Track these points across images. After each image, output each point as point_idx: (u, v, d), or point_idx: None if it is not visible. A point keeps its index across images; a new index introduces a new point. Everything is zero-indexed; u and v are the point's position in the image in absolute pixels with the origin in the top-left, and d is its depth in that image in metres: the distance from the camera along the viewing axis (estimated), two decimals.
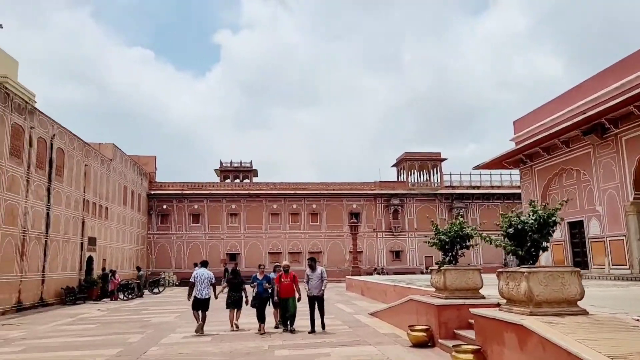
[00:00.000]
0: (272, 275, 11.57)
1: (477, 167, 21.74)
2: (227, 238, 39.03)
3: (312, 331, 10.28)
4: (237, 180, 43.37)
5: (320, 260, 39.56)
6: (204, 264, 11.87)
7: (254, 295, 10.96)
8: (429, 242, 9.68)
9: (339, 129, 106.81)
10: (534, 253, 6.86)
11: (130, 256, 32.23)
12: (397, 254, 40.86)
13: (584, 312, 6.46)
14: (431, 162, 42.87)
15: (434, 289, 9.80)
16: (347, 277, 27.13)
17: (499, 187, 43.09)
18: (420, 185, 42.82)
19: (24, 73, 58.96)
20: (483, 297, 8.94)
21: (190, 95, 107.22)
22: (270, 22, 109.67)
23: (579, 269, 6.71)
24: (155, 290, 26.64)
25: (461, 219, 9.73)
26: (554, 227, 6.88)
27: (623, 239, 17.71)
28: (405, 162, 42.73)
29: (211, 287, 11.16)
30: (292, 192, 40.28)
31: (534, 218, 6.81)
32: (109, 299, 22.25)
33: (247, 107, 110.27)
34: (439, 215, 41.80)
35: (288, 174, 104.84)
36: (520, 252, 6.85)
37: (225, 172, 43.81)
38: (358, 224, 27.81)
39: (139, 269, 26.07)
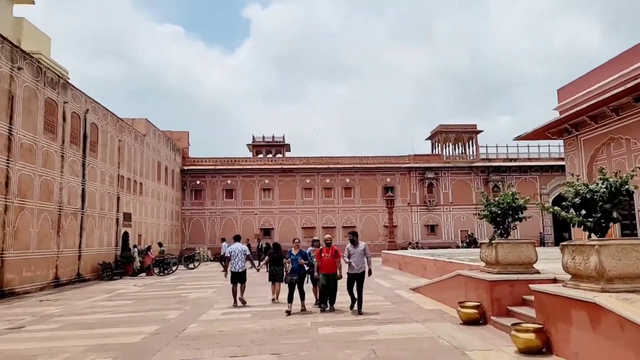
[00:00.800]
0: (310, 248, 11.21)
1: (518, 138, 20.45)
2: (260, 213, 39.03)
3: (352, 307, 9.67)
4: (270, 155, 43.04)
5: None
6: (237, 238, 12.15)
7: (288, 271, 10.33)
8: (479, 214, 8.87)
9: (371, 102, 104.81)
10: (603, 224, 6.05)
11: (165, 232, 32.65)
12: (431, 228, 39.94)
13: None
14: (466, 134, 41.23)
15: (483, 264, 9.06)
16: (383, 251, 26.57)
17: (536, 160, 41.18)
18: (456, 158, 41.36)
19: (57, 50, 59.53)
20: (538, 272, 8.17)
21: (221, 71, 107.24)
22: None
23: None
24: (191, 266, 26.87)
25: (487, 195, 9.08)
26: (626, 196, 6.05)
27: None
28: (440, 135, 41.29)
29: (246, 260, 11.52)
30: (325, 166, 39.71)
31: (604, 186, 5.97)
32: (145, 274, 22.53)
33: (277, 82, 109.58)
34: (474, 188, 40.46)
35: (320, 149, 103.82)
36: (589, 224, 6.05)
37: (257, 147, 43.54)
38: (393, 198, 26.94)
39: (160, 244, 25.98)
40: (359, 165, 40.07)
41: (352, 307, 9.68)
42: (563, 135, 18.71)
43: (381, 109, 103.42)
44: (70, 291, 16.10)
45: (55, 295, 14.79)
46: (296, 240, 11.09)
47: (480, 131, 41.07)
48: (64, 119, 18.23)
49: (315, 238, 11.30)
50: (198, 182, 39.21)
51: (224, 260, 23.65)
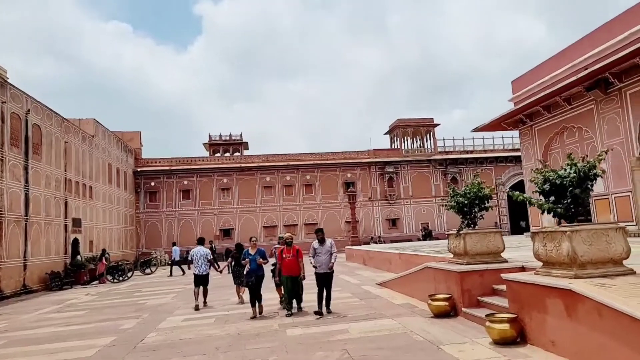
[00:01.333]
0: (276, 247, 10.79)
1: (475, 130, 20.86)
2: (219, 213, 38.09)
3: (319, 313, 8.72)
4: (227, 154, 42.08)
5: None
6: (200, 241, 12.11)
7: (245, 272, 9.50)
8: (445, 205, 8.77)
9: (329, 99, 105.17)
10: (573, 210, 6.05)
11: (118, 236, 31.20)
12: (393, 222, 40.38)
13: (632, 272, 5.73)
14: (424, 128, 41.95)
15: (450, 255, 9.00)
16: (347, 247, 26.49)
17: (492, 151, 42.50)
18: (414, 152, 41.98)
19: None
20: (506, 261, 8.19)
21: (173, 70, 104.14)
22: None
23: (624, 226, 5.96)
24: (147, 271, 25.70)
25: (453, 186, 8.99)
26: (595, 181, 6.08)
27: (629, 195, 17.14)
28: (398, 129, 41.78)
29: (208, 263, 11.59)
30: (285, 163, 39.27)
31: (573, 171, 5.97)
32: (98, 282, 21.37)
33: (233, 80, 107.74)
34: (433, 181, 41.25)
35: (279, 147, 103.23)
36: (559, 210, 6.03)
37: (214, 145, 42.48)
38: (355, 193, 26.91)
39: (104, 251, 24.54)
40: (319, 162, 39.91)
41: (317, 314, 8.73)
42: (518, 125, 19.22)
43: (338, 105, 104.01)
44: (16, 304, 14.92)
45: None
46: (253, 239, 10.06)
47: (437, 124, 41.87)
48: (3, 120, 16.87)
49: (281, 235, 10.60)
50: (153, 183, 37.77)
51: (175, 264, 23.43)
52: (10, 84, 17.64)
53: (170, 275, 22.68)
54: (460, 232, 8.25)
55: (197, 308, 10.92)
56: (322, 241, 9.16)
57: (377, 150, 41.55)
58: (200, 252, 11.46)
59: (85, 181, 25.00)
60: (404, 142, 42.25)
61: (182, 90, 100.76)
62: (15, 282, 17.10)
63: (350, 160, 40.49)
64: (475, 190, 8.16)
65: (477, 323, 7.14)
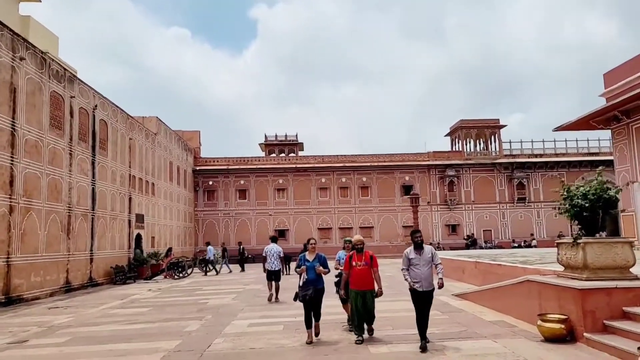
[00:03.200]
0: (341, 254, 8.40)
1: (559, 128, 18.91)
2: (275, 214, 37.80)
3: (424, 348, 6.42)
4: (283, 155, 41.85)
5: (372, 235, 37.80)
6: (273, 239, 13.17)
7: (301, 283, 7.41)
8: (558, 208, 7.42)
9: (382, 102, 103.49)
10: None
11: (178, 233, 31.54)
12: (453, 228, 38.44)
13: None
14: (489, 129, 39.66)
15: (560, 268, 7.68)
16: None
17: (563, 155, 39.48)
18: (477, 155, 39.80)
19: (65, 52, 59.31)
20: (637, 278, 6.77)
21: (228, 73, 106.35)
22: None
23: None
24: (206, 269, 25.66)
25: (568, 185, 7.45)
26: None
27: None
28: (461, 131, 39.78)
29: (280, 260, 12.49)
30: (341, 165, 38.39)
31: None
32: (163, 277, 21.50)
33: (286, 83, 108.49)
34: (497, 186, 38.90)
35: (330, 150, 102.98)
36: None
37: (270, 146, 42.38)
38: (418, 196, 25.48)
39: (170, 249, 24.86)
40: (375, 164, 38.71)
41: (423, 350, 6.41)
42: (611, 123, 17.19)
43: (391, 108, 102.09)
44: (82, 297, 14.95)
45: (65, 302, 13.63)
46: (312, 242, 7.99)
47: (503, 126, 39.50)
48: (72, 115, 17.12)
49: (348, 239, 8.26)
50: (210, 182, 38.08)
51: (209, 263, 23.93)
52: (79, 80, 17.92)
53: (205, 274, 22.95)
54: (579, 240, 6.93)
55: (270, 298, 12.14)
56: (419, 247, 6.78)
57: (437, 152, 39.75)
58: (273, 249, 12.42)
59: (147, 178, 25.31)
60: (467, 144, 40.17)
61: (237, 92, 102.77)
62: (82, 275, 17.29)
63: (408, 163, 38.99)
64: (598, 191, 6.82)
65: (607, 353, 5.85)
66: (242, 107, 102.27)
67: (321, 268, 7.41)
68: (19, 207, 13.67)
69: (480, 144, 40.93)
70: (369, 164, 38.64)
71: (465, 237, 36.72)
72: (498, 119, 39.79)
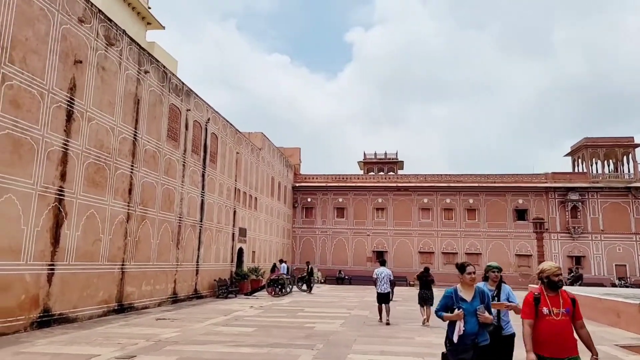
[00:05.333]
0: (484, 288, 4.97)
1: None
2: (373, 234, 36.36)
3: None
4: (382, 173, 40.52)
5: (480, 263, 34.62)
6: (383, 262, 13.31)
7: (454, 338, 4.61)
8: None
9: (479, 120, 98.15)
10: None
11: (276, 249, 31.46)
12: (577, 260, 33.79)
13: None
14: (620, 148, 34.70)
15: None
16: (531, 285, 22.19)
17: None
18: (606, 177, 34.95)
19: (181, 76, 64.12)
20: None
21: (324, 95, 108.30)
22: (402, 15, 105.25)
23: None
24: (304, 287, 25.00)
25: None
26: None
27: None
28: (585, 150, 35.32)
29: (390, 283, 12.47)
30: (445, 184, 36.00)
31: None
32: (266, 292, 21.21)
33: (380, 104, 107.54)
34: (633, 214, 33.64)
35: (425, 170, 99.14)
36: None
37: (369, 164, 41.33)
38: (542, 221, 22.44)
39: (274, 265, 24.90)
40: (484, 184, 35.67)
41: None
42: None
43: (490, 126, 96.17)
44: (187, 309, 14.82)
45: (172, 313, 13.51)
46: (470, 270, 4.82)
47: (638, 145, 34.31)
48: (187, 127, 17.52)
49: (492, 264, 5.44)
50: (309, 199, 37.85)
51: (304, 281, 23.88)
52: (195, 94, 18.38)
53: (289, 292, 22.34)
54: None
55: (382, 321, 12.32)
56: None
57: (557, 173, 35.61)
58: (383, 272, 12.53)
59: (251, 192, 25.49)
60: (593, 165, 35.53)
61: (331, 113, 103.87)
62: (188, 286, 17.37)
63: (522, 185, 35.33)
64: None
65: None
66: (336, 127, 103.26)
67: (485, 314, 4.63)
68: (136, 214, 13.94)
69: (609, 165, 36.05)
70: (476, 185, 35.74)
71: (569, 271, 30.97)
72: (632, 137, 34.72)
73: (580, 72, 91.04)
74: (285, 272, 23.59)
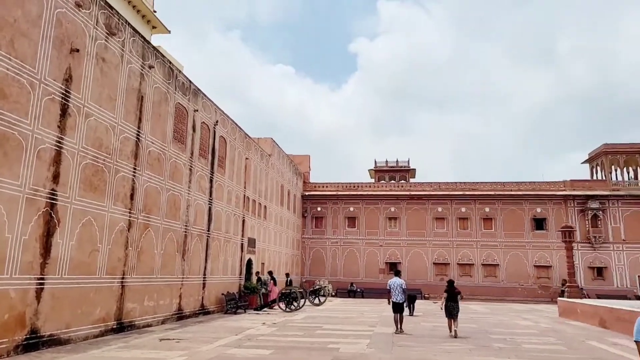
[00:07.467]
0: None
1: None
2: (385, 245, 34.89)
3: None
4: (393, 182, 39.20)
5: (497, 275, 33.18)
6: (397, 273, 13.61)
7: None
8: None
9: (485, 130, 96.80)
10: None
11: (286, 261, 30.06)
12: (598, 271, 32.24)
13: None
14: None
15: None
16: (560, 299, 20.73)
17: None
18: (627, 185, 33.56)
19: None
20: None
21: (328, 106, 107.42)
22: (407, 25, 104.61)
23: None
24: (316, 301, 23.59)
25: None
26: None
27: None
28: (605, 156, 33.99)
29: (403, 292, 12.85)
30: (460, 193, 34.61)
31: None
32: (268, 309, 19.80)
33: (385, 113, 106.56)
34: None
35: (434, 178, 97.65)
36: None
37: (380, 172, 40.13)
38: (573, 230, 20.97)
39: (287, 275, 23.34)
40: (500, 192, 34.26)
41: None
42: None
43: (496, 136, 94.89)
44: (194, 327, 13.46)
45: (177, 332, 12.15)
46: None
47: None
48: (194, 129, 16.32)
49: None
50: (319, 208, 36.49)
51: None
52: (203, 94, 17.23)
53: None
54: None
55: (397, 331, 12.65)
56: None
57: (576, 181, 34.19)
58: (397, 282, 12.92)
59: (260, 200, 24.22)
60: (613, 172, 34.13)
61: (337, 123, 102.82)
62: (194, 301, 16.01)
63: (540, 192, 33.94)
64: None
65: None
66: (342, 137, 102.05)
67: None
68: (138, 222, 12.68)
69: (629, 172, 34.70)
70: (492, 193, 34.34)
71: (563, 282, 28.23)
72: None
73: (587, 80, 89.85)
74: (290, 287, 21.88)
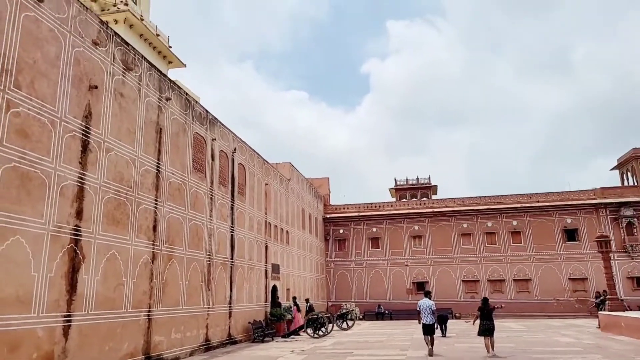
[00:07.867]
0: None
1: None
2: (411, 264, 34.13)
3: None
4: (415, 199, 38.66)
5: (530, 290, 32.01)
6: (427, 294, 13.37)
7: None
8: None
9: (501, 143, 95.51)
10: None
11: (311, 286, 29.63)
12: (638, 282, 30.79)
13: None
14: None
15: None
16: (601, 313, 19.76)
17: None
18: None
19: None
20: None
21: (342, 129, 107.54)
22: (417, 43, 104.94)
23: None
24: (344, 326, 23.07)
25: None
26: None
27: None
28: (636, 161, 32.91)
29: (433, 314, 12.51)
30: (485, 207, 33.81)
31: None
32: (295, 335, 19.43)
33: (398, 133, 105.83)
34: None
35: (453, 195, 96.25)
36: None
37: (401, 190, 39.63)
38: (609, 240, 20.11)
39: (307, 300, 22.76)
40: (527, 205, 33.35)
41: None
42: None
43: (513, 149, 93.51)
44: (222, 357, 13.20)
45: None
46: None
47: None
48: (213, 158, 16.41)
49: None
50: (341, 230, 36.08)
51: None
52: (220, 122, 17.38)
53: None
54: None
55: (430, 354, 12.33)
56: None
57: (606, 188, 33.05)
58: (426, 303, 12.68)
59: (282, 225, 24.07)
60: None
61: (353, 144, 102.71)
62: (221, 331, 15.77)
63: (569, 202, 32.87)
64: None
65: None
66: (359, 158, 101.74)
67: None
68: (162, 254, 12.64)
69: None
70: (518, 205, 33.46)
71: (598, 294, 25.78)
72: None
73: (605, 86, 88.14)
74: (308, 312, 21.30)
